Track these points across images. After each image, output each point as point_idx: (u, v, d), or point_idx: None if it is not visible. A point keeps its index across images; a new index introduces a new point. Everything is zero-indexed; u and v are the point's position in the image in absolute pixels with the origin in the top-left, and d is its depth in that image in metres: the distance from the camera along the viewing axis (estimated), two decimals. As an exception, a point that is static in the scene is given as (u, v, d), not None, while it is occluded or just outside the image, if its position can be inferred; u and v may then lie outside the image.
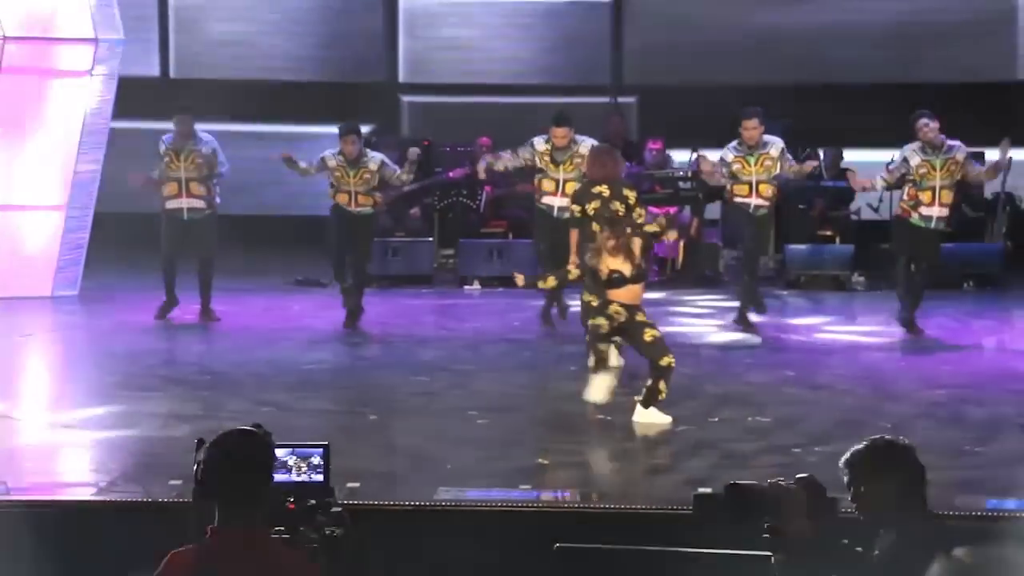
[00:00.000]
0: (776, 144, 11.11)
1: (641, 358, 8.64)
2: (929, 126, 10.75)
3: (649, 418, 8.29)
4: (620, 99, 15.56)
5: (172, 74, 16.91)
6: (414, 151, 11.54)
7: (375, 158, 11.41)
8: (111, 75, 12.98)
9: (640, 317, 8.48)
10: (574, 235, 9.98)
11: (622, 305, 8.44)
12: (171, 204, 11.55)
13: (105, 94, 12.98)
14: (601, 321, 8.47)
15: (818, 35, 16.01)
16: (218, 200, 11.64)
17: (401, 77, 16.79)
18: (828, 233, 14.50)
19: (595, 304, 8.52)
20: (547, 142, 11.14)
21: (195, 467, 3.83)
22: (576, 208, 9.91)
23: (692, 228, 13.96)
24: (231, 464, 3.79)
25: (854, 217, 14.64)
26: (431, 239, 14.11)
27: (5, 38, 12.62)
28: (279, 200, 16.66)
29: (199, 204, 11.52)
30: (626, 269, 8.46)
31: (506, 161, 11.44)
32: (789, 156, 11.19)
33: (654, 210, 14.28)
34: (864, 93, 14.59)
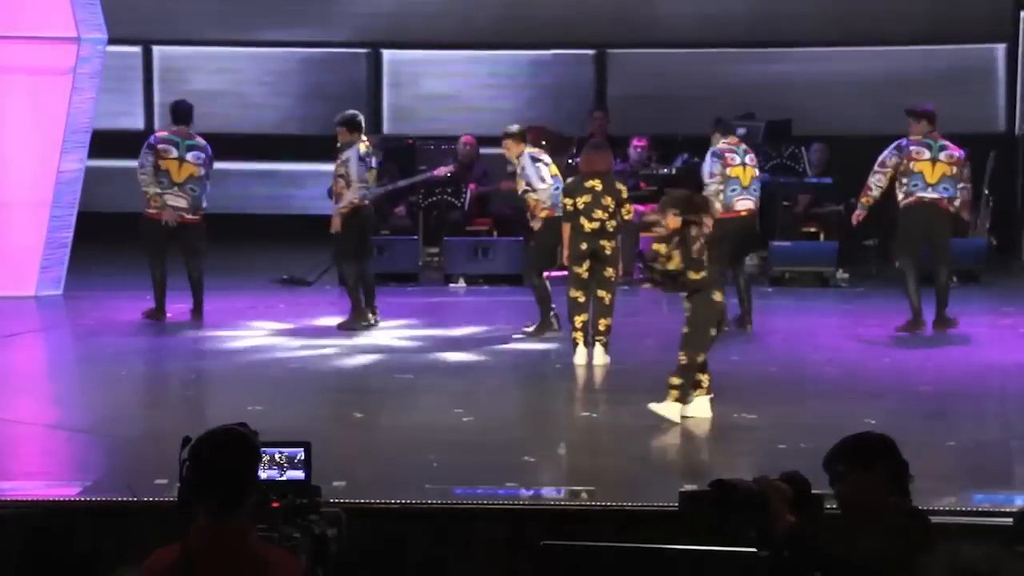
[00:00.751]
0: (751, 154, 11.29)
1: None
2: (919, 124, 10.89)
3: (696, 411, 8.32)
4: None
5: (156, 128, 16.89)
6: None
7: (346, 154, 11.41)
8: (94, 74, 12.95)
9: None
10: (566, 229, 10.19)
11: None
12: (165, 201, 11.52)
13: (88, 93, 12.94)
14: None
15: (795, 87, 16.11)
16: (205, 204, 11.59)
17: (385, 129, 16.78)
18: (812, 230, 14.53)
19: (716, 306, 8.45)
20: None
21: (180, 465, 3.83)
22: (568, 202, 10.10)
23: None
24: (216, 462, 3.78)
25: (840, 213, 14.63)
26: (416, 237, 14.10)
27: (-15, 37, 12.61)
28: (265, 198, 16.67)
29: (185, 204, 11.51)
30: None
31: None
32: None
33: (639, 207, 14.29)
34: (844, 144, 14.66)
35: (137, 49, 16.45)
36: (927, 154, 10.86)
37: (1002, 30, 16.22)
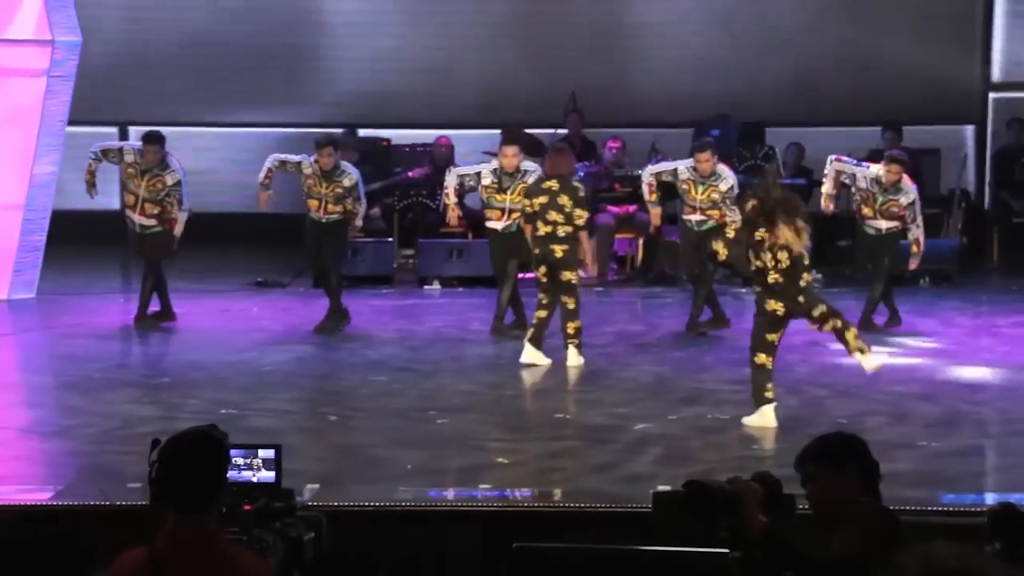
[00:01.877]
0: (727, 180, 11.24)
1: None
2: (892, 170, 10.97)
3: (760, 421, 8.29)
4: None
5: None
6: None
7: (352, 175, 11.46)
8: (68, 76, 12.88)
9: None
10: (528, 229, 10.44)
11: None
12: (128, 213, 11.56)
13: (62, 95, 12.88)
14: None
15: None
16: (176, 215, 11.49)
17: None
18: (786, 231, 14.53)
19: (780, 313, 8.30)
20: (493, 172, 11.27)
21: (149, 466, 3.81)
22: (527, 203, 10.40)
23: (651, 227, 13.96)
24: (185, 464, 3.77)
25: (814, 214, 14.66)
26: (391, 239, 14.08)
27: (-41, 40, 12.53)
28: (240, 198, 16.57)
29: (150, 222, 11.48)
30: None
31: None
32: (734, 196, 11.21)
33: (613, 209, 14.31)
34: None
35: (114, 130, 16.38)
36: (878, 200, 11.02)
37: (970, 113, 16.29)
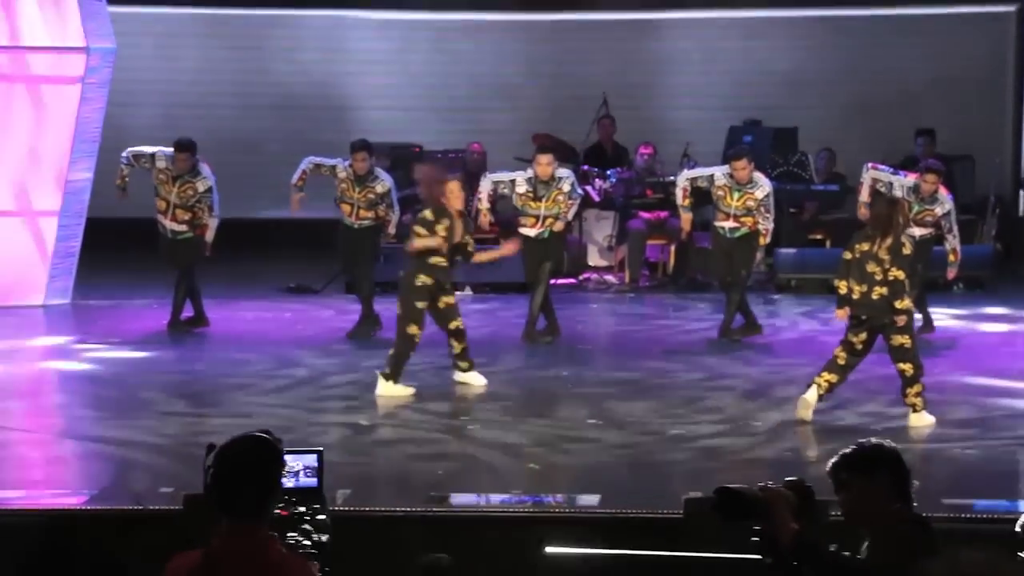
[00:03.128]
0: (763, 187, 11.21)
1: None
2: (928, 180, 10.91)
3: (920, 421, 8.41)
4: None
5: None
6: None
7: (385, 181, 11.49)
8: (102, 83, 12.95)
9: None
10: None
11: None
12: (159, 219, 11.60)
13: (96, 102, 12.94)
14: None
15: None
16: (207, 221, 11.55)
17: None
18: (819, 237, 14.51)
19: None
20: (528, 180, 11.26)
21: (204, 472, 3.81)
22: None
23: (682, 233, 13.95)
24: (241, 469, 3.77)
25: (846, 221, 14.62)
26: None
27: (-4, 47, 12.62)
28: (272, 205, 16.63)
29: (182, 228, 11.55)
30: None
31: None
32: (769, 204, 11.21)
33: (645, 215, 14.30)
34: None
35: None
36: (914, 209, 10.94)
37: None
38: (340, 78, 15.49)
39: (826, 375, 8.51)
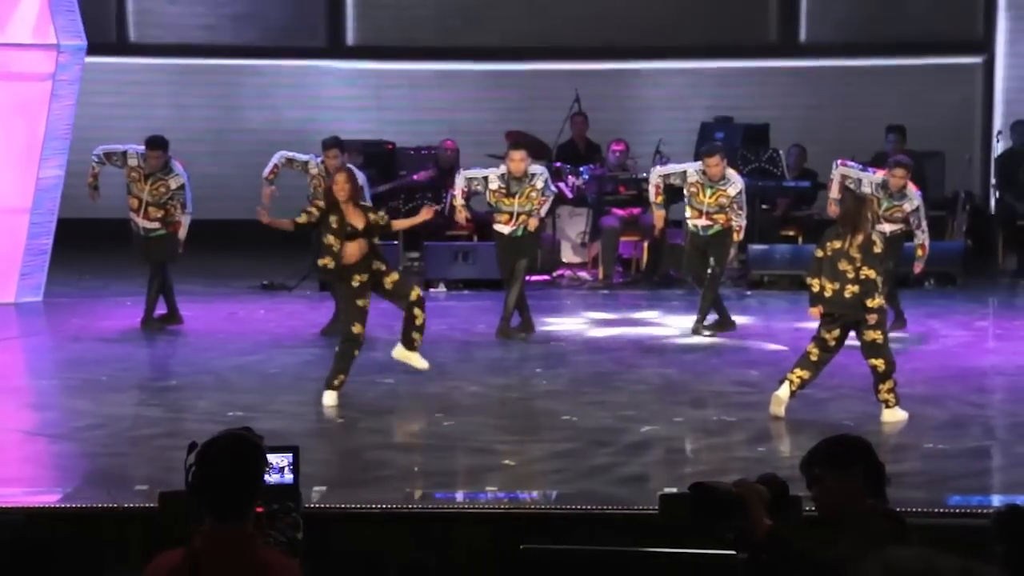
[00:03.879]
0: (736, 184, 11.25)
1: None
2: (896, 175, 10.95)
3: (893, 417, 8.45)
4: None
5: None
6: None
7: (358, 178, 11.46)
8: (73, 80, 12.91)
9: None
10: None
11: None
12: (132, 216, 11.60)
13: (67, 99, 12.91)
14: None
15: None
16: (180, 218, 11.54)
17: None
18: (791, 233, 14.57)
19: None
20: (501, 177, 11.28)
21: (186, 470, 3.81)
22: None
23: (655, 230, 14.00)
24: (224, 467, 3.77)
25: (817, 217, 14.71)
26: (396, 242, 14.09)
27: (-34, 44, 12.57)
28: (245, 204, 16.60)
29: (154, 225, 11.53)
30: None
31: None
32: (742, 200, 11.25)
33: (618, 211, 14.32)
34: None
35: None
36: (883, 205, 10.99)
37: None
38: (312, 124, 15.52)
39: (798, 371, 8.55)
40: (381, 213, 9.51)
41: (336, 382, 9.02)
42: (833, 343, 8.55)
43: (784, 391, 8.52)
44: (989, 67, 16.56)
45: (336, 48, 17.08)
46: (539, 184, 11.29)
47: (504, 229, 11.34)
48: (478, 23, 16.66)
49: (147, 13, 16.98)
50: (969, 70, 16.62)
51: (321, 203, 9.28)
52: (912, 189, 11.09)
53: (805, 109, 16.18)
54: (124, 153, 11.59)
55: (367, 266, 9.11)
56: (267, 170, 11.66)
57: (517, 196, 11.27)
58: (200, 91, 16.76)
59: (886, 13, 16.38)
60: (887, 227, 11.03)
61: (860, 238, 8.42)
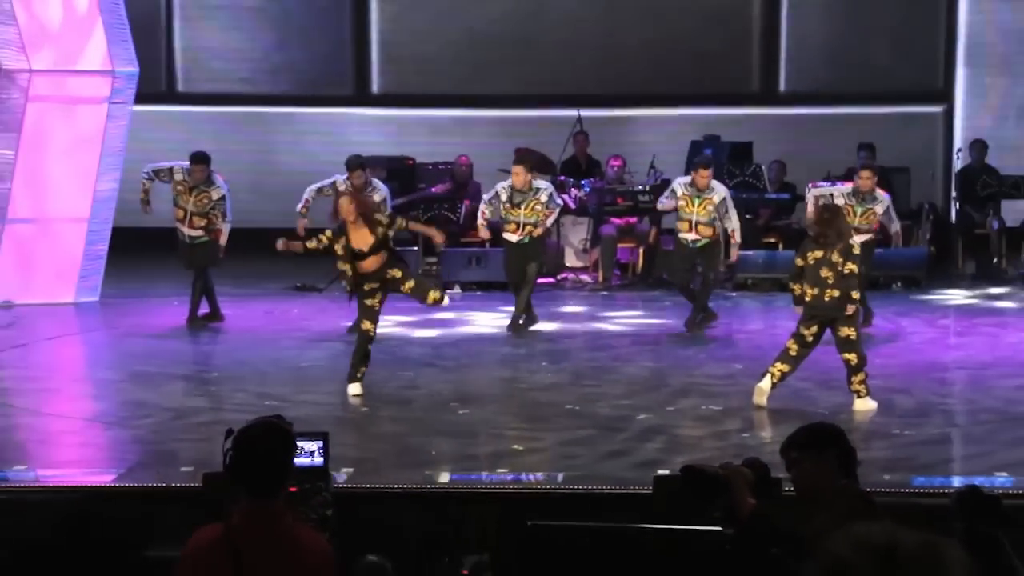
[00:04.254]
0: (719, 192, 11.19)
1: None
2: (863, 177, 10.91)
3: (864, 406, 8.37)
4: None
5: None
6: None
7: (381, 191, 11.53)
8: (126, 102, 12.96)
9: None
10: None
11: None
12: (178, 226, 11.62)
13: (121, 120, 12.95)
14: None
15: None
16: (220, 226, 11.58)
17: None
18: (772, 240, 14.55)
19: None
20: (507, 189, 11.29)
21: (224, 454, 3.82)
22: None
23: (650, 236, 14.00)
24: (257, 450, 3.78)
25: (795, 226, 14.68)
26: (416, 248, 14.09)
27: (32, 71, 12.61)
28: (279, 215, 16.63)
29: (198, 233, 11.56)
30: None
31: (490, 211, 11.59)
32: (728, 205, 11.21)
33: (616, 220, 14.31)
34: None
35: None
36: (857, 212, 10.93)
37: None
38: (340, 165, 15.61)
39: (779, 365, 8.54)
40: (387, 214, 9.37)
41: (358, 374, 9.01)
42: (811, 339, 8.53)
43: (766, 383, 8.51)
44: (949, 115, 16.61)
45: (362, 96, 17.14)
46: (543, 198, 11.28)
47: (512, 238, 11.33)
48: (490, 73, 16.71)
49: (193, 66, 17.06)
50: (931, 118, 16.67)
51: (329, 234, 9.01)
52: (880, 192, 11.05)
53: (783, 144, 16.17)
54: (171, 169, 11.63)
55: (380, 276, 9.01)
56: (300, 205, 11.66)
57: (522, 207, 11.26)
58: (241, 136, 16.81)
59: (857, 67, 16.43)
60: (860, 237, 10.99)
61: (841, 244, 8.41)
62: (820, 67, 16.66)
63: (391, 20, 17.08)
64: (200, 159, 11.51)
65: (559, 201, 11.70)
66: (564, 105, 15.89)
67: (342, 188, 11.48)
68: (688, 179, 11.27)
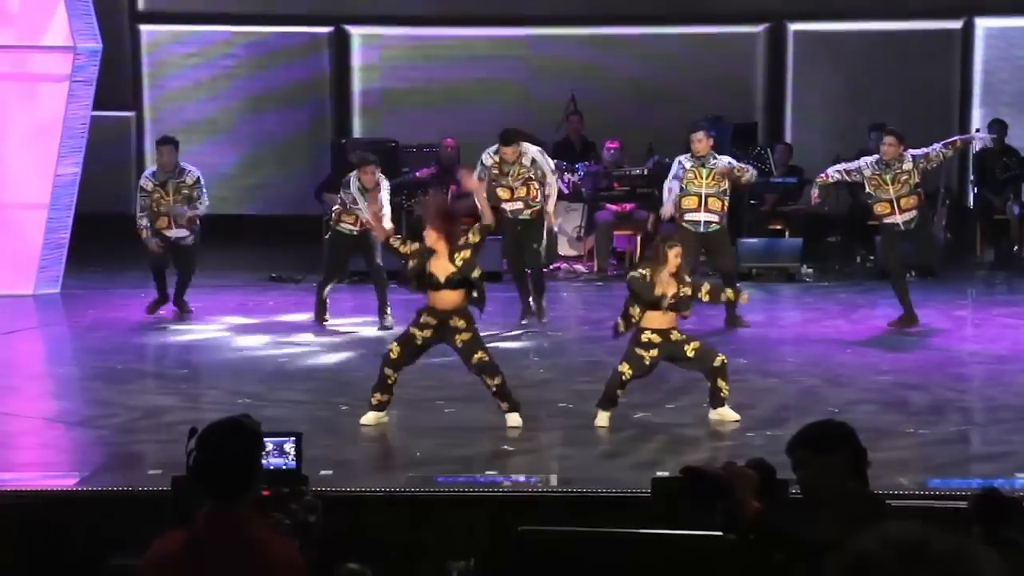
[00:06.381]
0: (723, 157, 11.11)
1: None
2: (887, 142, 10.80)
3: (721, 416, 8.15)
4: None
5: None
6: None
7: (386, 187, 11.42)
8: (89, 81, 12.91)
9: (675, 337, 8.15)
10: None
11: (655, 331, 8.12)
12: (162, 233, 11.61)
13: (83, 99, 12.90)
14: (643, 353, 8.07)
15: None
16: (198, 225, 11.65)
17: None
18: (778, 227, 14.56)
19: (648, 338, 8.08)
20: (495, 154, 11.24)
21: (187, 455, 3.82)
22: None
23: (648, 224, 13.99)
24: (222, 451, 3.78)
25: (803, 212, 14.71)
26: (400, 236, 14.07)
27: (-11, 48, 12.58)
28: (256, 199, 16.64)
29: (184, 234, 11.57)
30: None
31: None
32: (735, 163, 11.12)
33: (612, 206, 14.31)
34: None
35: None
36: (887, 181, 10.81)
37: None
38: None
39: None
40: (473, 231, 8.10)
41: (373, 401, 8.23)
42: (649, 362, 8.16)
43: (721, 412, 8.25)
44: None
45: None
46: (527, 161, 11.20)
47: (507, 206, 11.22)
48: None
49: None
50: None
51: (415, 246, 8.14)
52: (905, 154, 10.84)
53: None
54: (140, 187, 11.66)
55: (443, 316, 8.10)
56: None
57: (510, 175, 11.25)
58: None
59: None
60: (900, 218, 10.81)
61: (664, 271, 8.05)
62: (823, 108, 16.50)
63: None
64: (168, 140, 11.56)
65: (552, 165, 11.57)
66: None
67: (489, 162, 11.28)
68: (688, 155, 11.13)
